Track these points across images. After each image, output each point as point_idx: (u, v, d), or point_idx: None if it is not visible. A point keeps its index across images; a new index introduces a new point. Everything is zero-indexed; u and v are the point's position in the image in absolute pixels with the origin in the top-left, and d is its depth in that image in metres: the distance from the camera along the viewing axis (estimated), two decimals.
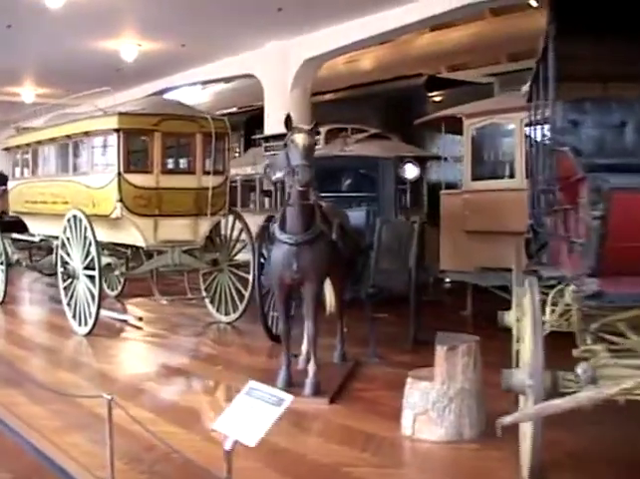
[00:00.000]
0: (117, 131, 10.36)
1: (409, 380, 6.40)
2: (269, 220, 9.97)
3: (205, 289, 12.27)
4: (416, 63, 20.75)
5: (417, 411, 6.26)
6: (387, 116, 18.62)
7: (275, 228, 7.48)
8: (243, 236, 11.60)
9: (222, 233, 11.83)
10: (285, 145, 7.19)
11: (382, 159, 10.92)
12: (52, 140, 11.95)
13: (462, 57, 21.24)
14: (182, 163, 11.40)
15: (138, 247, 11.06)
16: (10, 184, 14.02)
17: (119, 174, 10.36)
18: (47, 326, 11.66)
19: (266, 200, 15.49)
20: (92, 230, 10.35)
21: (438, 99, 19.14)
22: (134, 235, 10.62)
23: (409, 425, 6.31)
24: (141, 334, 11.06)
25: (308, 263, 7.29)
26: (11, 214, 14.22)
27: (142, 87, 20.55)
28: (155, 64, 18.87)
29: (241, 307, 11.45)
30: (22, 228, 14.69)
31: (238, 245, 11.70)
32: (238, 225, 11.57)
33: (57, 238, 12.36)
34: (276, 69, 17.95)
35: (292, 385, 7.32)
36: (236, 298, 11.48)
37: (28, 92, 22.26)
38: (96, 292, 10.29)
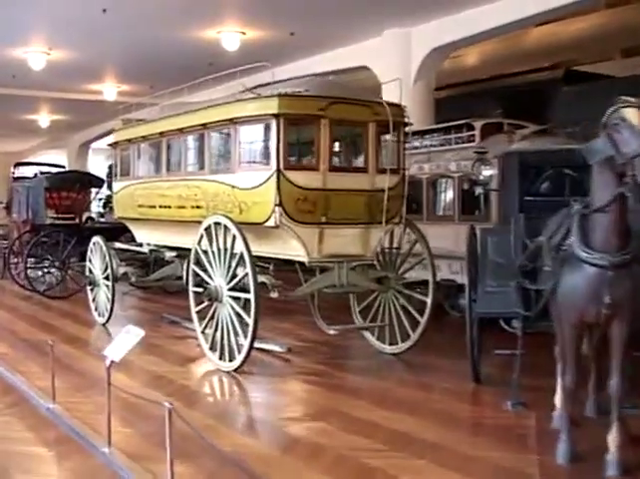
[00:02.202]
0: (276, 117, 7.99)
1: None
2: (474, 231, 7.68)
3: (360, 313, 9.85)
4: (526, 58, 18.53)
5: None
6: (511, 111, 16.19)
7: (574, 242, 5.08)
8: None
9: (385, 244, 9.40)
10: (605, 125, 4.77)
11: None
12: (180, 131, 9.57)
13: (578, 51, 19.02)
14: (350, 158, 9.00)
15: (291, 262, 8.68)
16: (115, 185, 11.68)
17: (278, 171, 7.99)
18: (178, 359, 9.22)
19: None
20: (245, 241, 7.98)
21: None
22: (293, 247, 8.24)
23: None
24: (294, 370, 8.64)
25: (624, 295, 4.96)
26: (116, 219, 11.95)
27: (238, 82, 18.16)
28: (257, 55, 16.41)
29: (414, 337, 9.02)
30: (116, 236, 12.45)
31: (411, 260, 9.28)
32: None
33: (181, 249, 10.13)
34: (395, 60, 15.45)
35: (579, 460, 5.26)
36: (407, 325, 9.05)
37: (110, 89, 20.03)
38: (250, 321, 7.91)
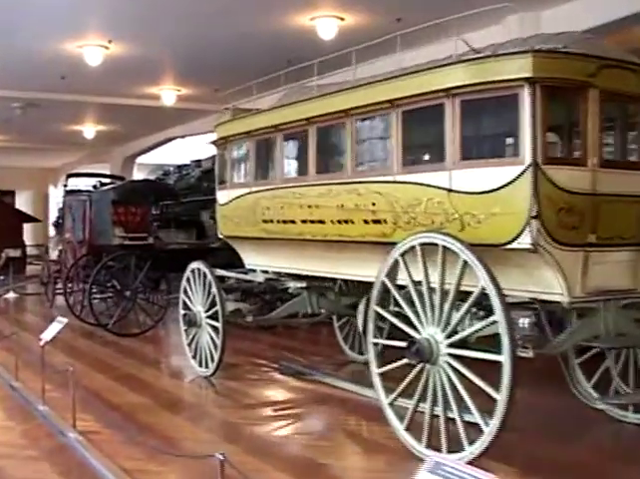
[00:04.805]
0: (530, 83, 5.01)
1: None
2: None
3: (581, 366, 6.79)
4: None
5: None
6: None
7: None
8: None
9: None
10: None
11: None
12: (344, 114, 6.50)
13: None
14: (621, 149, 5.94)
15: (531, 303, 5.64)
16: (222, 195, 8.62)
17: (534, 166, 4.99)
18: (345, 441, 6.17)
19: None
20: (490, 273, 4.96)
21: None
22: (544, 280, 5.22)
23: None
24: (533, 456, 5.60)
25: None
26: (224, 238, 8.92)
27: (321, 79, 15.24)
28: (355, 46, 13.56)
29: None
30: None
31: None
32: None
33: (317, 279, 7.25)
34: None
35: None
36: None
37: (168, 93, 16.99)
38: (498, 395, 4.87)
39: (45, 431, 6.42)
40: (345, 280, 8.15)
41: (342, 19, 12.74)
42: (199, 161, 22.62)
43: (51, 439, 6.22)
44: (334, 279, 8.02)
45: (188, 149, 23.80)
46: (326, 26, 12.77)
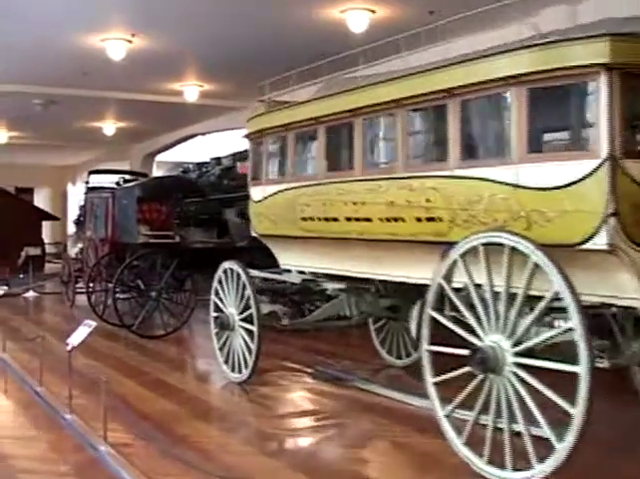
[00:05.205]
0: (608, 69, 4.58)
1: None
2: None
3: None
4: None
5: None
6: None
7: None
8: None
9: None
10: None
11: None
12: (394, 104, 6.05)
13: None
14: None
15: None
16: (256, 192, 8.22)
17: (611, 159, 4.56)
18: (396, 456, 5.78)
19: None
20: (564, 276, 4.54)
21: None
22: (619, 283, 4.78)
23: None
24: None
25: None
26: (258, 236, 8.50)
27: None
28: (387, 37, 13.13)
29: None
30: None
31: None
32: None
33: (357, 281, 6.89)
34: None
35: None
36: None
37: (191, 89, 16.57)
38: (574, 409, 4.44)
39: (72, 443, 5.99)
40: (384, 282, 7.73)
41: (373, 11, 12.38)
42: (219, 158, 22.23)
43: (79, 452, 5.80)
44: (372, 281, 7.63)
45: (208, 146, 23.46)
46: (357, 18, 12.43)
